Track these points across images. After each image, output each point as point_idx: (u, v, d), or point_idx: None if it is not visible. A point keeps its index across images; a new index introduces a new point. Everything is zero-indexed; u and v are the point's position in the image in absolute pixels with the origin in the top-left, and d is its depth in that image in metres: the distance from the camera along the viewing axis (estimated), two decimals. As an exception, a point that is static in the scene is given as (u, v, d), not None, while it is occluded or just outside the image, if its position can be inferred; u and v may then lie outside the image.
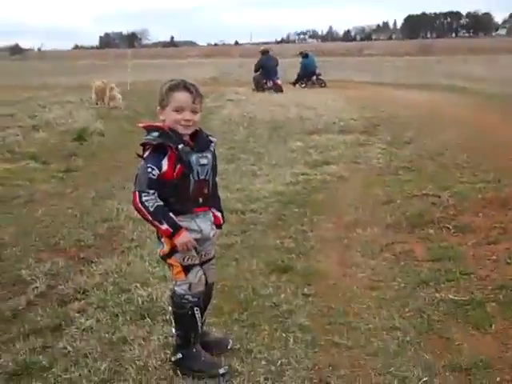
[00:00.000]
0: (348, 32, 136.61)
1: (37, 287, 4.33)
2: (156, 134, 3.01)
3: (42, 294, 4.26)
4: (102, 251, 5.18)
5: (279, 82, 21.87)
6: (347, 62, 50.49)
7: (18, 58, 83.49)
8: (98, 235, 5.60)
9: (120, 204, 6.49)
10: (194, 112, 3.06)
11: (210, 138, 3.21)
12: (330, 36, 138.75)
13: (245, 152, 9.81)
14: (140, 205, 2.94)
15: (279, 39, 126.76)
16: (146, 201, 2.94)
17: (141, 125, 3.14)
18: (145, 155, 3.04)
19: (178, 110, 3.02)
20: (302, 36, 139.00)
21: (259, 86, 21.76)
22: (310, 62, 23.99)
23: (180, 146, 2.98)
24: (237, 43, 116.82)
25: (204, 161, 3.08)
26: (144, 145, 3.06)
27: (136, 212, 3.03)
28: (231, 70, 40.23)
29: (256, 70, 22.29)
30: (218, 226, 3.31)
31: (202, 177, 3.07)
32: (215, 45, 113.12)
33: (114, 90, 16.58)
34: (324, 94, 19.77)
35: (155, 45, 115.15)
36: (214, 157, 3.19)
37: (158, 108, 3.10)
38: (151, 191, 2.95)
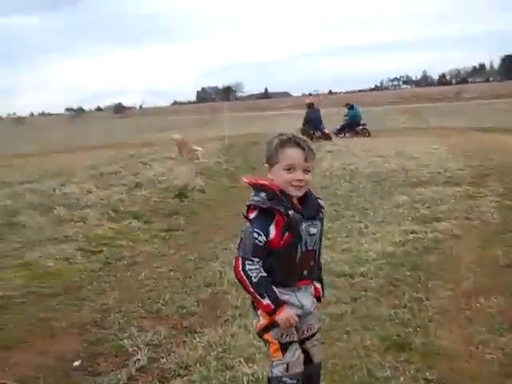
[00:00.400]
0: (443, 76, 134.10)
1: (138, 360, 4.21)
2: (264, 195, 2.75)
3: (143, 367, 4.12)
4: (205, 319, 5.02)
5: (326, 130, 22.80)
6: (443, 107, 49.30)
7: (121, 116, 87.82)
8: (200, 301, 5.45)
9: (223, 267, 6.34)
10: (306, 171, 2.78)
11: (319, 201, 2.92)
12: (425, 80, 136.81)
13: (349, 208, 9.45)
14: (243, 273, 2.69)
15: (372, 86, 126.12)
16: (250, 270, 2.68)
17: (246, 180, 2.88)
18: (251, 216, 2.77)
19: (289, 168, 2.75)
20: (395, 82, 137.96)
21: (307, 137, 21.88)
22: (356, 113, 24.77)
23: (291, 213, 2.71)
24: (330, 92, 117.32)
25: (313, 230, 2.80)
26: (250, 206, 2.80)
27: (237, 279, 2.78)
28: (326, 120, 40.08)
29: (305, 124, 23.02)
30: (318, 299, 3.01)
31: (309, 247, 2.80)
32: (309, 95, 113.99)
33: (192, 145, 17.32)
34: (424, 143, 19.11)
35: (250, 97, 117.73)
36: (323, 224, 2.91)
37: (266, 165, 2.85)
38: (256, 259, 2.69)
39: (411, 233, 7.55)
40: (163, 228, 8.80)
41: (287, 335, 2.79)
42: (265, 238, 2.70)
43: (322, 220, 2.89)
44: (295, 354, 2.82)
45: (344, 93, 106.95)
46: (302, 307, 2.84)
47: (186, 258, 7.08)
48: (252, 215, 2.77)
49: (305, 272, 2.83)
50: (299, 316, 2.81)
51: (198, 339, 4.51)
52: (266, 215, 2.73)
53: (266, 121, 39.36)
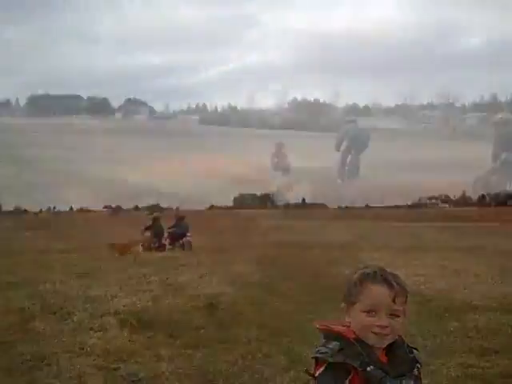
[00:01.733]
0: (483, 197, 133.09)
1: None
2: (336, 344, 2.08)
3: None
4: None
5: (165, 242, 25.00)
6: (485, 227, 47.77)
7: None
8: None
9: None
10: (394, 315, 2.14)
11: (415, 352, 2.22)
12: (463, 201, 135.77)
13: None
14: None
15: (410, 203, 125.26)
16: None
17: (318, 325, 2.21)
18: (317, 373, 2.09)
19: (371, 310, 2.12)
20: (433, 200, 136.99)
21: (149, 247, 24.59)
22: (184, 225, 26.27)
23: (369, 369, 2.03)
24: (367, 206, 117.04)
25: None
26: (317, 359, 2.12)
27: None
28: (364, 233, 39.36)
29: (152, 235, 25.17)
30: None
31: None
32: (346, 207, 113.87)
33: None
34: (467, 263, 18.10)
35: (287, 206, 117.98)
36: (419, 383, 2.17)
37: (343, 305, 2.23)
38: None
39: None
40: (189, 343, 7.86)
41: None
42: None
43: (417, 379, 2.19)
44: None
45: (382, 207, 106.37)
46: None
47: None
48: (319, 371, 2.11)
49: None
50: None
51: None
52: (336, 372, 2.06)
53: (303, 233, 38.90)
